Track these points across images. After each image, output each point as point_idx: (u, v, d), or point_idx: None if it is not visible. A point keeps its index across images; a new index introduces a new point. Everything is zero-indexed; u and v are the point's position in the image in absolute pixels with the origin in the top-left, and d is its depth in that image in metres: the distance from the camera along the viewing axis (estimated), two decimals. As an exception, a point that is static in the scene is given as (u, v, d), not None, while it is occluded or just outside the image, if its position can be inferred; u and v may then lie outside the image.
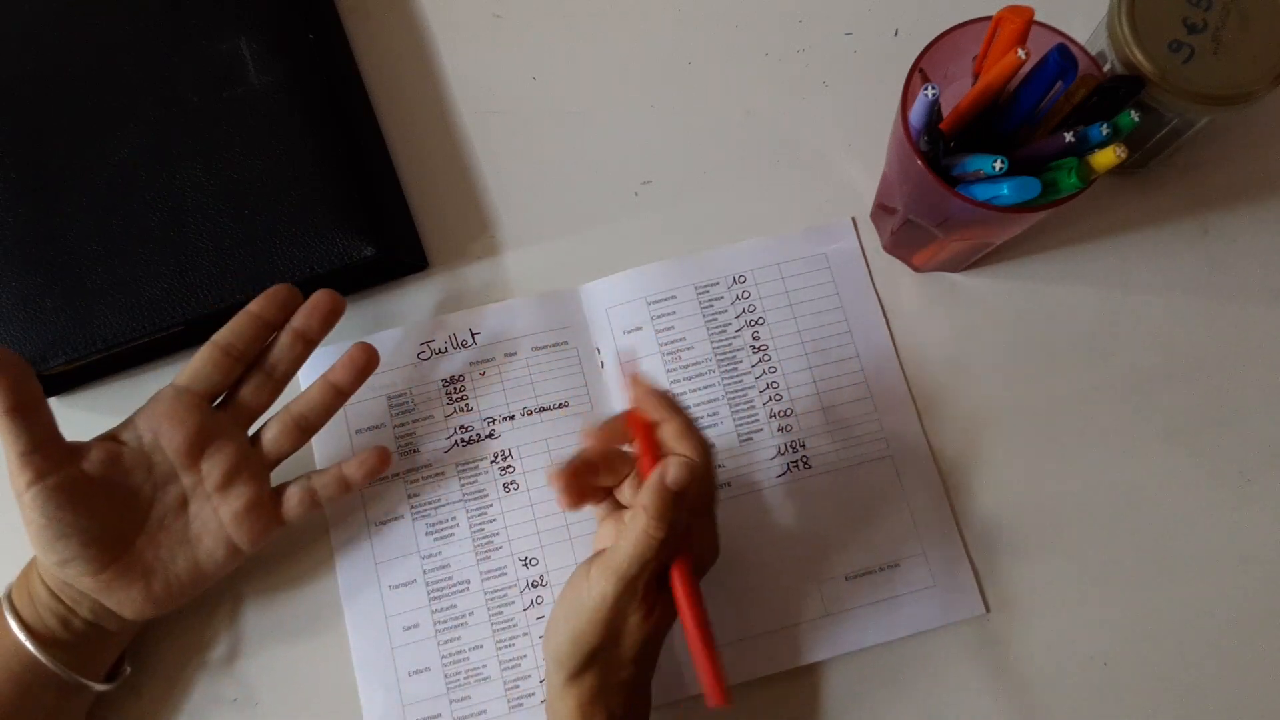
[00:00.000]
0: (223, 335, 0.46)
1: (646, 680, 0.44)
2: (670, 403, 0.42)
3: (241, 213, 0.51)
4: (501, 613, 0.50)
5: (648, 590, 0.40)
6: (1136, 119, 0.41)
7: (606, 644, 0.41)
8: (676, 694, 0.49)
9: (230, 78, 0.52)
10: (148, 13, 0.53)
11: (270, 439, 0.47)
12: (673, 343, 0.54)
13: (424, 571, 0.51)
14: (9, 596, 0.45)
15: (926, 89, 0.41)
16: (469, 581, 0.51)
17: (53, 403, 0.55)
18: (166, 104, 0.52)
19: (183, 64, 0.53)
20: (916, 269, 0.55)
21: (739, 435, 0.53)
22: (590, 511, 0.47)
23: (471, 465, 0.52)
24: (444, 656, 0.50)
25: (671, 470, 0.39)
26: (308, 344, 0.48)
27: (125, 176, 0.51)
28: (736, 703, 0.49)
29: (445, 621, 0.50)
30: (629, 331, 0.54)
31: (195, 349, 0.55)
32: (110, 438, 0.46)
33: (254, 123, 0.52)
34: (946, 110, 0.44)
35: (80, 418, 0.54)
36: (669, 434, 0.42)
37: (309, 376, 0.52)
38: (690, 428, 0.42)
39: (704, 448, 0.41)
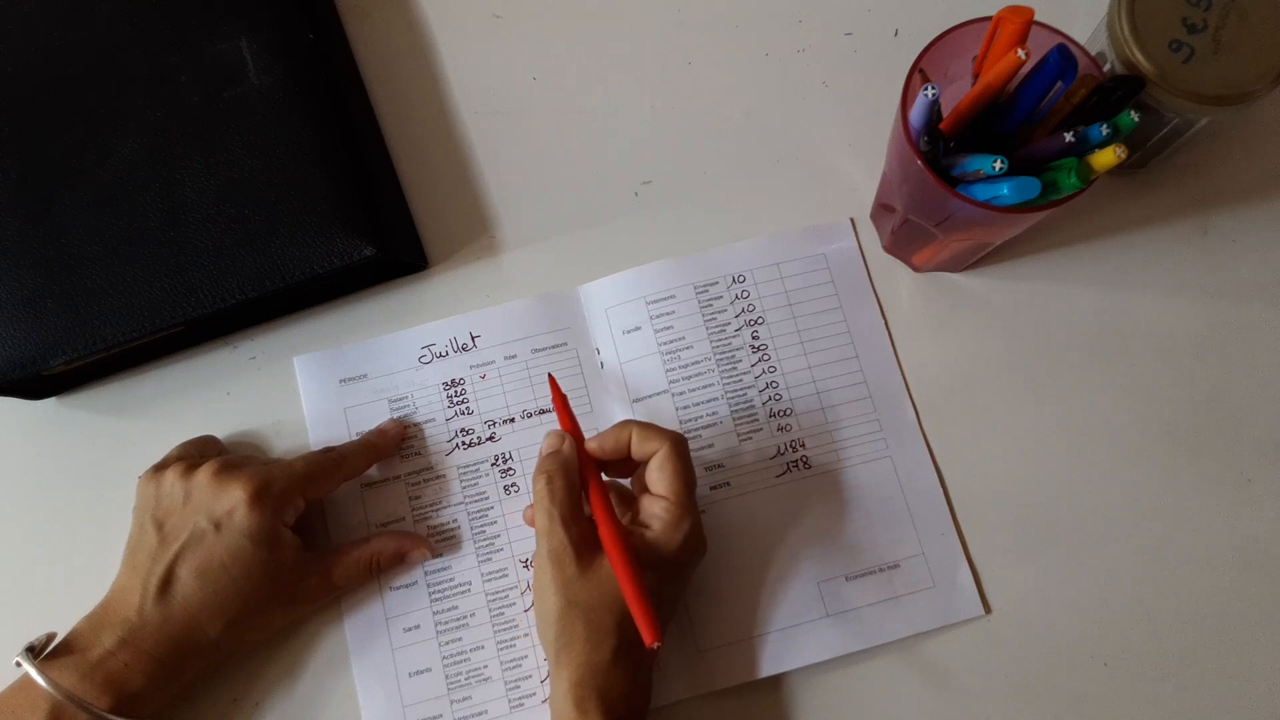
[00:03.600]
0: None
1: (631, 658, 0.43)
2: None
3: (241, 213, 0.51)
4: (503, 614, 0.50)
5: (582, 548, 0.44)
6: (1136, 119, 0.41)
7: (567, 612, 0.43)
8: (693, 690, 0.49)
9: (230, 78, 0.52)
10: (148, 13, 0.53)
11: None
12: (672, 342, 0.54)
13: (425, 574, 0.51)
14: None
15: (926, 89, 0.41)
16: (470, 583, 0.51)
17: (52, 403, 0.55)
18: (166, 104, 0.52)
19: (183, 64, 0.53)
20: (916, 269, 0.55)
21: (738, 435, 0.53)
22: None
23: (472, 468, 0.53)
24: (445, 657, 0.50)
25: (550, 440, 0.47)
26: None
27: (125, 176, 0.51)
28: (733, 701, 0.49)
29: (446, 623, 0.50)
30: (628, 331, 0.54)
31: (195, 349, 0.55)
32: None
33: (254, 123, 0.52)
34: (946, 110, 0.44)
35: (80, 418, 0.54)
36: (637, 436, 0.46)
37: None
38: (649, 426, 0.46)
39: (670, 435, 0.46)
